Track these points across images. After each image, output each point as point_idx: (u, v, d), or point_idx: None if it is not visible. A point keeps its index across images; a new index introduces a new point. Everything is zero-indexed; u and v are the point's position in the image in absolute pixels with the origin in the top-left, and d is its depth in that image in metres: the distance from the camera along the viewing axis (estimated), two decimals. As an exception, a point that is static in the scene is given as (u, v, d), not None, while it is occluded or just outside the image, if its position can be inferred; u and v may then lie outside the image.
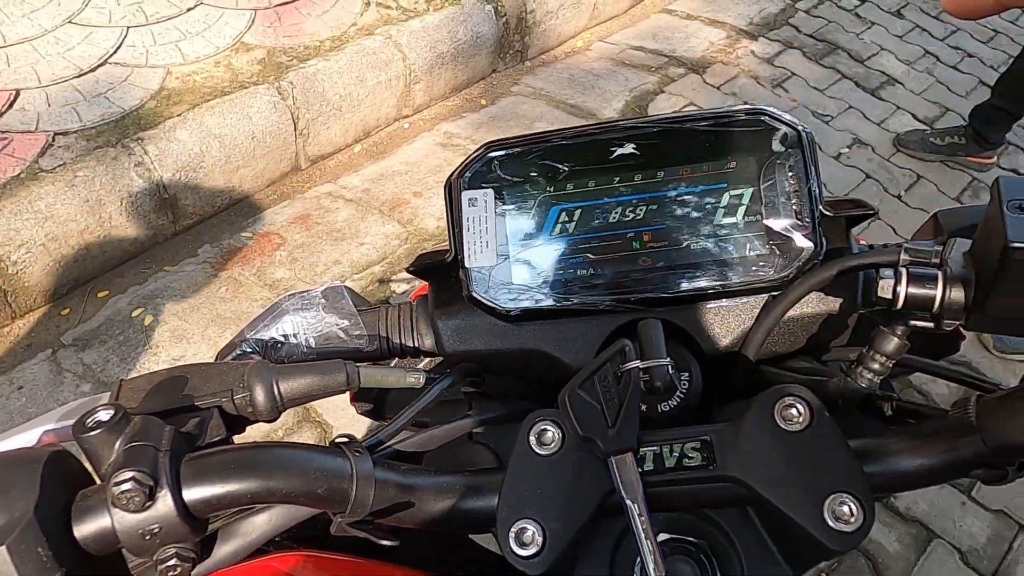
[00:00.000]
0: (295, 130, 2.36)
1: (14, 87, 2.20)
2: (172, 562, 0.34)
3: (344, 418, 1.81)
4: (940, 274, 0.41)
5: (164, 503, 0.34)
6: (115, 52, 2.38)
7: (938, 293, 0.41)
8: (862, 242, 0.55)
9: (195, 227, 2.26)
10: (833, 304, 0.50)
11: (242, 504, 0.36)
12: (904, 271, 0.42)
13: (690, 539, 0.44)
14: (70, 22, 2.45)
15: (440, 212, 2.34)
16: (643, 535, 0.38)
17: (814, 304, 0.50)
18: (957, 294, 0.41)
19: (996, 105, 2.75)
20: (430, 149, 2.62)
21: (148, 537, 0.34)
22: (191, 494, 0.35)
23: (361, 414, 0.62)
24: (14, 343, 1.95)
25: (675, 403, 0.47)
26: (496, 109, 2.84)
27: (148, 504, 0.33)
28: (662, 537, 0.44)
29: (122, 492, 0.32)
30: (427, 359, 0.57)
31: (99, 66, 2.32)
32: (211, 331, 1.98)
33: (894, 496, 1.88)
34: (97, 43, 2.39)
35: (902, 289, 0.42)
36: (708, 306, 0.51)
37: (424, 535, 0.58)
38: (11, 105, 2.15)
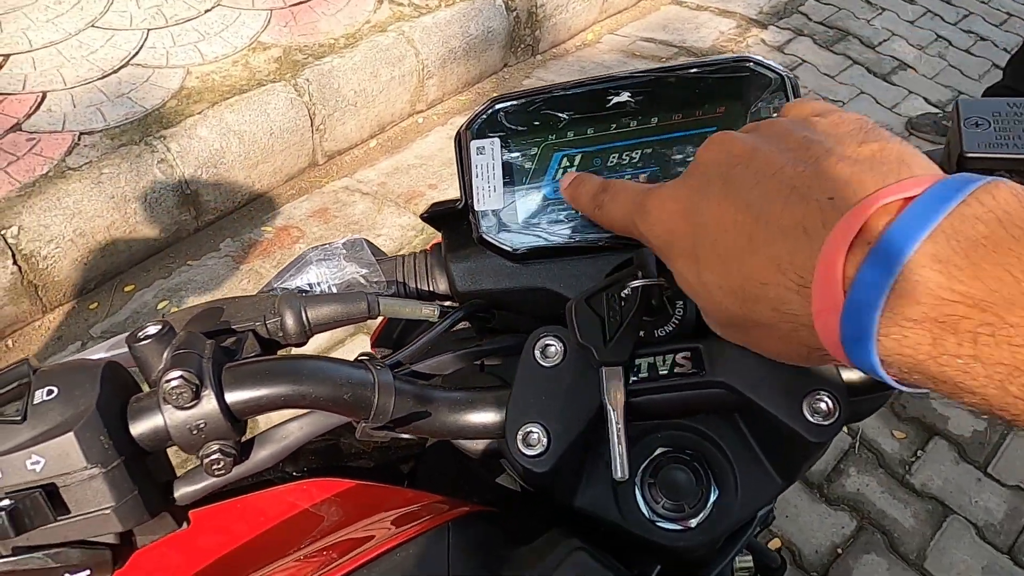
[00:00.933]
0: (312, 126, 2.41)
1: (41, 89, 2.28)
2: (215, 456, 0.39)
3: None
4: None
5: (208, 402, 0.38)
6: (136, 54, 2.45)
7: None
8: None
9: (217, 222, 2.32)
10: None
11: (276, 407, 0.40)
12: None
13: (686, 452, 0.47)
14: (93, 26, 2.53)
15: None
16: (615, 438, 0.41)
17: None
18: None
19: (1008, 86, 2.76)
20: (444, 143, 2.66)
21: (195, 432, 0.38)
22: (232, 396, 0.39)
23: (381, 359, 0.66)
24: (46, 336, 2.02)
25: (671, 328, 0.50)
26: (508, 102, 2.88)
27: (194, 402, 0.37)
28: (660, 451, 0.47)
29: (172, 388, 0.36)
30: (447, 302, 0.61)
31: (121, 67, 2.39)
32: (234, 321, 2.04)
33: (909, 474, 1.89)
34: (119, 45, 2.46)
35: None
36: None
37: (441, 470, 0.62)
38: (38, 107, 2.22)
